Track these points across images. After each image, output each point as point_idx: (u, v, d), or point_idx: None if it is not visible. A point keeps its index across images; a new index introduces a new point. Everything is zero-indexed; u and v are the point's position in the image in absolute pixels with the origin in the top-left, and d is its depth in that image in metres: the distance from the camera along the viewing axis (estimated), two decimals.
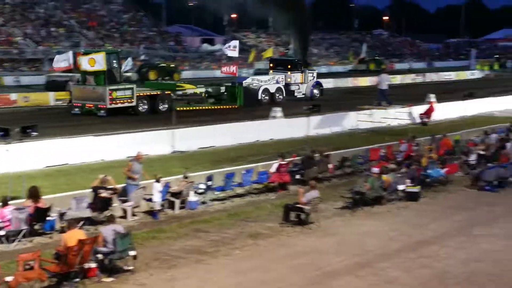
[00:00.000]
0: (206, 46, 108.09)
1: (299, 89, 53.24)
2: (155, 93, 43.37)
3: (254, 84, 49.98)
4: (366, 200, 21.86)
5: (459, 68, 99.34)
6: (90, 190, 20.06)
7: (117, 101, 40.74)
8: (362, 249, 17.72)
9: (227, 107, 45.61)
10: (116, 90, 40.85)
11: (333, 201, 22.49)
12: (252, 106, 45.56)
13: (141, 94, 42.49)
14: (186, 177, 21.92)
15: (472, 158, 27.88)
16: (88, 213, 19.09)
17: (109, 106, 40.27)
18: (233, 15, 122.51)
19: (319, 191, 20.74)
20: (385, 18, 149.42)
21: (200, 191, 22.16)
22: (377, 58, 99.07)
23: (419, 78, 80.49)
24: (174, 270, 15.88)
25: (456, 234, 19.14)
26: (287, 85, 52.23)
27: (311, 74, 55.14)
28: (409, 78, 79.20)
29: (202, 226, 19.58)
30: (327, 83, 69.30)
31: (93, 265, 14.92)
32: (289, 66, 53.46)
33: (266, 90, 49.94)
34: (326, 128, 37.28)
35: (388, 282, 15.34)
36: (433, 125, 40.71)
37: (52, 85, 53.55)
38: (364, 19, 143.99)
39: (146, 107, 42.44)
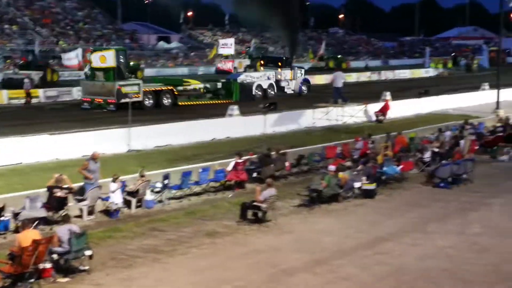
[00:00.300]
0: (162, 44, 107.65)
1: (288, 85, 56.13)
2: (160, 88, 45.84)
3: (248, 80, 52.77)
4: (323, 197, 21.97)
5: (414, 66, 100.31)
6: (45, 189, 19.83)
7: (126, 96, 42.49)
8: (319, 246, 17.81)
9: (224, 101, 47.19)
10: (124, 85, 43.08)
11: (290, 199, 22.56)
12: (247, 100, 47.27)
13: (147, 89, 44.73)
14: (142, 176, 21.79)
15: (427, 155, 28.17)
16: (43, 212, 18.86)
17: (117, 101, 42.49)
18: (189, 13, 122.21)
19: (276, 189, 20.79)
20: (341, 16, 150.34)
21: (157, 189, 22.04)
22: (337, 56, 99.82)
23: (374, 76, 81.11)
24: (131, 270, 15.79)
25: (411, 230, 19.33)
26: (277, 82, 55.06)
27: (299, 71, 58.05)
28: (364, 76, 79.80)
29: (159, 225, 19.49)
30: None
31: (48, 265, 14.74)
32: (279, 64, 56.85)
33: (259, 86, 52.57)
34: (282, 126, 37.38)
35: (345, 279, 15.45)
36: (389, 122, 41.06)
37: (9, 83, 53.09)
38: (320, 17, 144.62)
39: (151, 101, 44.66)
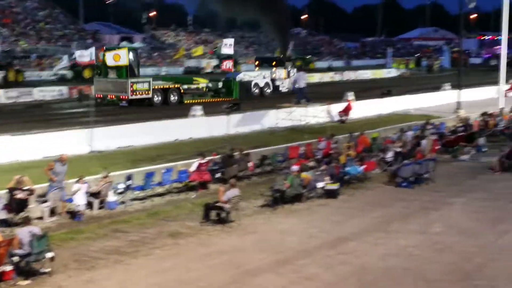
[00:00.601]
0: (125, 44, 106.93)
1: (282, 84, 58.35)
2: (167, 86, 48.61)
3: (246, 79, 55.66)
4: (286, 198, 22.00)
5: (376, 66, 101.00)
6: (6, 191, 19.58)
7: (137, 93, 45.71)
8: (282, 246, 17.82)
9: (225, 99, 48.47)
10: (136, 82, 45.88)
11: (253, 199, 22.56)
12: (246, 98, 49.40)
13: (156, 87, 47.22)
14: (105, 177, 21.63)
15: (389, 155, 28.35)
16: (3, 214, 18.64)
17: (129, 97, 45.46)
18: (152, 13, 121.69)
19: (239, 190, 20.77)
20: (304, 16, 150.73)
21: (119, 191, 21.91)
22: (305, 56, 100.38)
23: (337, 77, 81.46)
24: (93, 272, 15.66)
25: (374, 230, 19.44)
26: (272, 81, 57.66)
27: (292, 71, 59.25)
28: (327, 77, 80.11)
29: (122, 226, 19.36)
30: None
31: (8, 268, 14.55)
32: (274, 63, 59.71)
33: (256, 85, 55.62)
34: (246, 126, 37.36)
35: (308, 279, 15.47)
36: (351, 123, 41.25)
37: None
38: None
39: (160, 98, 47.19)
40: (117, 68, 46.24)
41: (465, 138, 33.09)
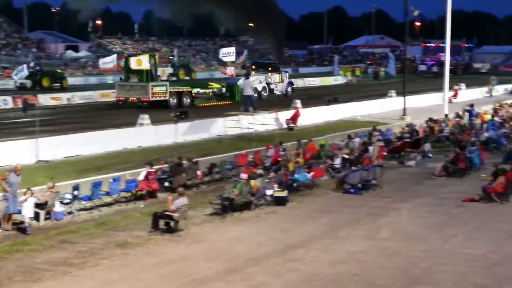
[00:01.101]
0: (70, 53, 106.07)
1: (276, 87, 62.62)
2: (181, 90, 53.35)
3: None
4: (235, 206, 22.00)
5: (323, 74, 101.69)
6: None
7: (156, 95, 50.23)
8: (232, 254, 17.80)
9: (229, 102, 53.39)
10: (155, 86, 50.80)
11: (202, 207, 22.49)
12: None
13: (172, 90, 51.85)
14: (51, 187, 21.34)
15: (337, 162, 28.59)
16: None
17: (150, 99, 49.80)
18: (98, 22, 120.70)
19: (188, 198, 20.70)
20: (251, 24, 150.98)
21: (66, 201, 21.68)
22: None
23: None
24: (40, 283, 15.43)
25: (322, 237, 19.54)
26: (267, 84, 61.53)
27: (285, 75, 65.36)
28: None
29: (69, 237, 19.12)
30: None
31: None
32: (269, 69, 63.59)
33: (255, 89, 56.20)
34: (194, 134, 37.26)
35: (258, 287, 15.48)
36: (299, 130, 41.45)
37: None
38: (229, 25, 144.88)
39: (175, 101, 51.41)
40: (139, 73, 50.95)
41: (411, 144, 33.53)
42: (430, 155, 32.82)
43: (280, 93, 62.55)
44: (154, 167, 24.87)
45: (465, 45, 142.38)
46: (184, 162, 26.21)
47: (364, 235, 19.67)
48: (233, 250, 18.21)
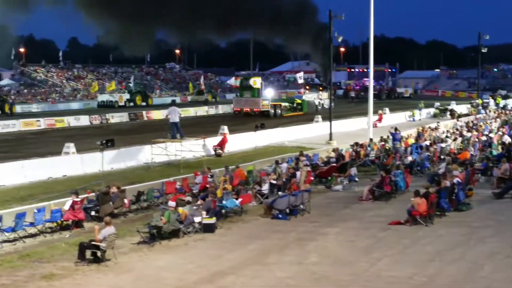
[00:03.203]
0: None
1: (325, 103, 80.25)
2: (276, 104, 73.35)
3: (308, 99, 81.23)
4: (163, 234, 21.84)
5: None
6: None
7: (263, 107, 70.42)
8: (160, 283, 17.65)
9: (299, 113, 72.78)
10: (263, 99, 71.31)
11: (130, 236, 22.25)
12: (312, 112, 71.05)
13: (271, 104, 71.68)
14: None
15: (265, 187, 28.69)
16: None
17: (261, 110, 69.92)
18: (21, 49, 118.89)
19: (115, 227, 20.47)
20: (177, 51, 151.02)
21: None
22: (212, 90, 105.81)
23: (212, 110, 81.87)
24: None
25: (251, 263, 19.53)
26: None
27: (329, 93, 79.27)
28: (202, 110, 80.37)
29: None
30: (121, 117, 69.11)
31: None
32: (320, 88, 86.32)
33: (314, 103, 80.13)
34: (121, 162, 36.94)
35: None
36: (227, 156, 41.51)
37: None
38: (156, 52, 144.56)
39: (273, 111, 70.77)
40: (251, 89, 72.05)
41: (338, 168, 33.92)
42: (357, 179, 33.27)
43: (327, 107, 73.85)
44: (80, 196, 24.53)
45: (388, 70, 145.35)
46: (111, 190, 25.89)
47: (293, 260, 19.74)
48: (162, 278, 18.04)
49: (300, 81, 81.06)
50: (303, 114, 71.83)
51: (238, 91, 76.51)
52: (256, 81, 73.43)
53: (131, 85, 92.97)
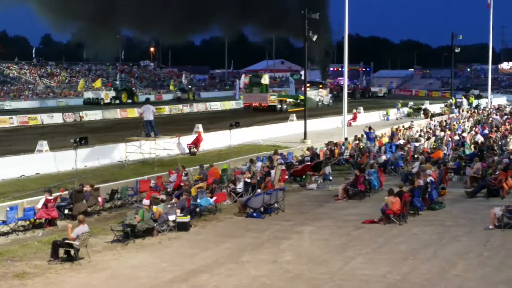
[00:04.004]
0: None
1: (324, 99, 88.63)
2: (282, 99, 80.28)
3: (311, 96, 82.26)
4: (137, 232, 21.76)
5: (225, 98, 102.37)
6: None
7: (271, 101, 76.79)
8: (134, 282, 17.56)
9: (301, 109, 66.57)
10: (271, 95, 78.34)
11: (103, 235, 22.14)
12: (313, 108, 74.56)
13: (278, 99, 79.22)
14: None
15: (239, 186, 28.69)
16: None
17: (268, 104, 76.12)
18: None
19: (89, 226, 20.37)
20: (152, 49, 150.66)
21: None
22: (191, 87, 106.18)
23: (187, 109, 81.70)
24: None
25: (226, 261, 19.51)
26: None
27: (328, 91, 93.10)
28: (176, 109, 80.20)
29: None
30: (95, 115, 68.74)
31: None
32: (320, 86, 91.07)
33: (315, 99, 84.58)
34: (94, 160, 36.75)
35: None
36: (202, 154, 41.46)
37: None
38: (130, 50, 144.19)
39: (279, 106, 77.58)
40: (260, 85, 77.36)
41: (312, 167, 34.00)
42: (331, 178, 33.40)
43: (326, 103, 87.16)
44: (53, 194, 24.36)
45: (363, 69, 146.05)
46: (85, 188, 25.75)
47: (267, 258, 19.75)
48: (135, 277, 17.97)
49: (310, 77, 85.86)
50: (303, 109, 73.46)
51: (247, 87, 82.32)
52: (266, 78, 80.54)
53: (117, 82, 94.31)
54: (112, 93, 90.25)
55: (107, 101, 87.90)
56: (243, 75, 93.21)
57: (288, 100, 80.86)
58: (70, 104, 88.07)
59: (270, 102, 76.08)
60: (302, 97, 79.13)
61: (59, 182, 28.98)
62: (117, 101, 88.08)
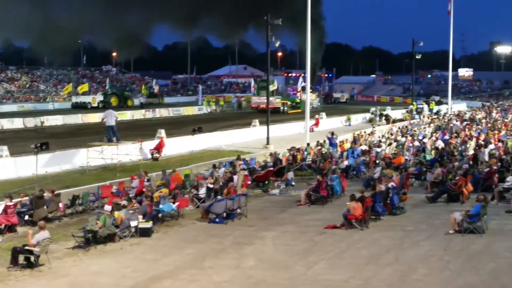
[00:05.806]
0: None
1: (313, 103, 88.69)
2: (284, 102, 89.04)
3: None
4: (99, 238, 21.60)
5: (188, 103, 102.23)
6: None
7: (276, 104, 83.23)
8: None
9: (299, 111, 79.39)
10: (276, 98, 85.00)
11: (64, 241, 21.93)
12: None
13: (281, 102, 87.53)
14: None
15: (202, 191, 28.63)
16: None
17: (274, 106, 78.12)
18: None
19: (50, 232, 20.16)
20: (113, 54, 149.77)
21: None
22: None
23: (149, 114, 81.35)
24: None
25: (188, 267, 19.44)
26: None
27: (317, 94, 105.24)
28: (139, 114, 79.83)
29: None
30: (56, 120, 68.14)
31: None
32: (310, 90, 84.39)
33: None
34: (55, 166, 36.39)
35: None
36: (164, 160, 41.32)
37: None
38: (92, 54, 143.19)
39: (282, 108, 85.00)
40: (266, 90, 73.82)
41: (275, 172, 34.03)
42: (293, 183, 33.46)
43: (315, 106, 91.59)
44: (13, 200, 24.09)
45: (325, 75, 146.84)
46: (46, 194, 25.49)
47: (230, 264, 19.72)
48: (97, 284, 17.83)
49: (301, 85, 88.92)
50: (301, 111, 72.87)
51: (256, 91, 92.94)
52: (275, 83, 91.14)
53: (108, 88, 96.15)
54: (100, 97, 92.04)
55: (94, 105, 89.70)
56: (252, 81, 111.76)
57: (288, 103, 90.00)
58: (38, 109, 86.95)
59: (276, 104, 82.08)
60: (298, 100, 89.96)
61: (19, 188, 28.67)
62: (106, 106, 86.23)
